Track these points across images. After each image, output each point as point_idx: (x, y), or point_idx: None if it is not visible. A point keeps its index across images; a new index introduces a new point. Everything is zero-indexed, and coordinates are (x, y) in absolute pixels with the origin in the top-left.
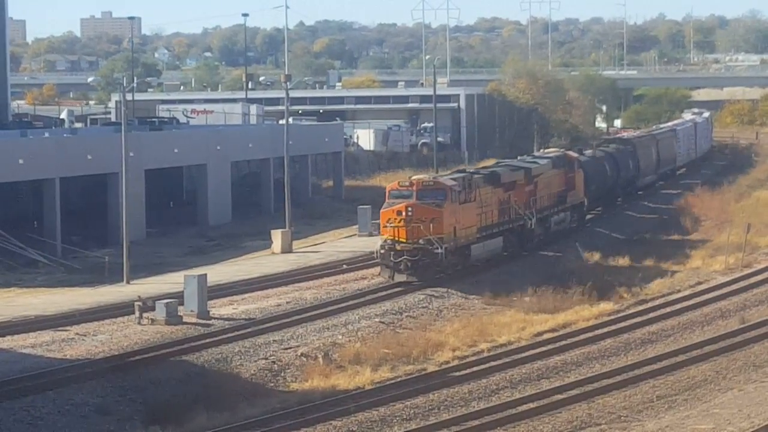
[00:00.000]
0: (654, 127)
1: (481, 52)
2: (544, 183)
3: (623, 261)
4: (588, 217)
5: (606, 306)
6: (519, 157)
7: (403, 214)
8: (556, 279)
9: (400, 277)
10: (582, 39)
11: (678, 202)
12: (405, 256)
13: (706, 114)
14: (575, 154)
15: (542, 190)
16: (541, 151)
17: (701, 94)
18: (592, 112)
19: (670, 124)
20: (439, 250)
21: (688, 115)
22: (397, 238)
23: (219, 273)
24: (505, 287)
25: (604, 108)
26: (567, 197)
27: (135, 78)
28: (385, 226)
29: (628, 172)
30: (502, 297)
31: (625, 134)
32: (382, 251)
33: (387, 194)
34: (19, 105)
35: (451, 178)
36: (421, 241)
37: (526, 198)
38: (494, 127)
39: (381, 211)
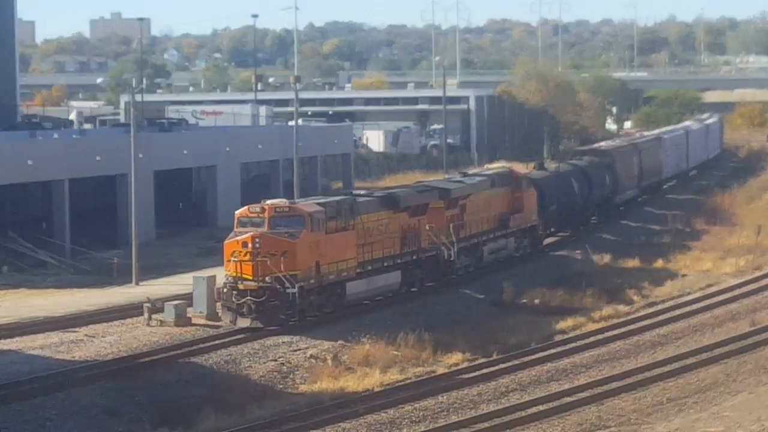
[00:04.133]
0: (638, 134)
1: (491, 54)
2: (476, 205)
3: (633, 263)
4: (549, 241)
5: (616, 308)
6: (459, 174)
7: (249, 246)
8: (566, 281)
9: (243, 322)
10: (592, 41)
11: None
12: (249, 297)
13: (710, 120)
14: (523, 171)
15: (472, 214)
16: (485, 166)
17: (712, 96)
18: (603, 114)
19: (664, 129)
20: (292, 290)
21: (688, 121)
22: (240, 275)
23: None
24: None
25: (614, 110)
26: (510, 220)
27: (144, 79)
28: (229, 261)
29: (604, 187)
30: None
31: (603, 144)
32: (225, 290)
33: (235, 222)
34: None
35: (318, 203)
36: (268, 278)
37: (445, 223)
38: (504, 128)
39: (225, 242)
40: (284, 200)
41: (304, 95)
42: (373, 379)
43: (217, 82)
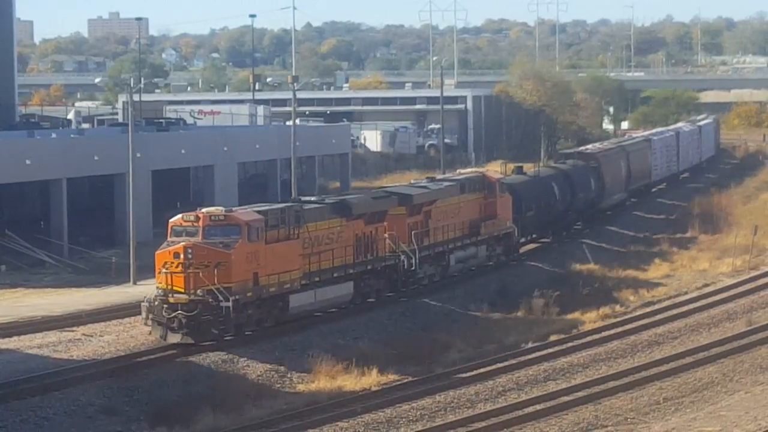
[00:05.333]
0: (627, 136)
1: (489, 54)
2: (443, 212)
3: (630, 263)
4: (532, 247)
5: (613, 308)
6: (427, 179)
7: (181, 256)
8: (563, 281)
9: (173, 338)
10: (589, 41)
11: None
12: (180, 311)
13: (704, 121)
14: (497, 176)
15: (439, 221)
16: (457, 172)
17: (709, 96)
18: (600, 114)
19: (654, 131)
20: (226, 304)
21: (681, 123)
22: (171, 288)
23: None
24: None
25: (611, 110)
26: (482, 227)
27: (142, 79)
28: (160, 272)
29: (589, 191)
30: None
31: (590, 146)
32: (155, 303)
33: (168, 231)
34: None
35: (259, 211)
36: (199, 292)
37: (407, 231)
38: (501, 128)
39: (156, 252)
40: (220, 208)
41: (301, 95)
42: (370, 379)
43: (214, 81)
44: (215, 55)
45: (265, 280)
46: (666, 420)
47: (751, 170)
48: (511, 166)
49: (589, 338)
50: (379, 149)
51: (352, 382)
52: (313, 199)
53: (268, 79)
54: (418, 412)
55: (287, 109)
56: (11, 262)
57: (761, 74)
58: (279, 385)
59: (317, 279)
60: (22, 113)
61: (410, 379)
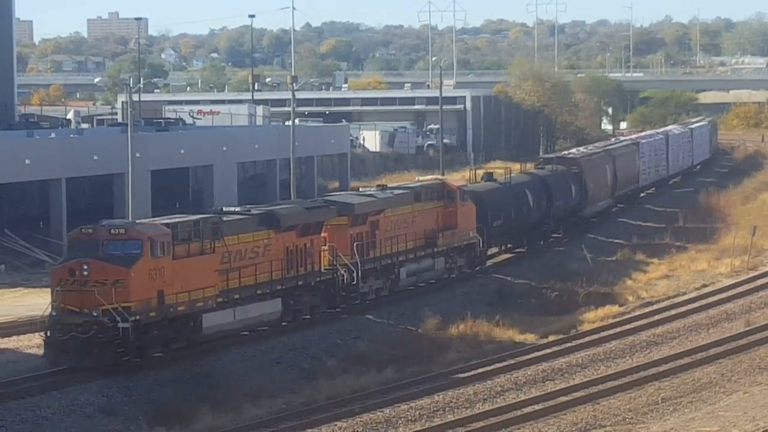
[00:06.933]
0: (613, 139)
1: (488, 54)
2: (393, 222)
3: (628, 263)
4: (503, 258)
5: (611, 308)
6: (377, 187)
7: (77, 273)
8: (561, 281)
9: (66, 360)
10: (588, 41)
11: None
12: (74, 332)
13: (698, 123)
14: (458, 183)
15: (387, 232)
16: (416, 179)
17: (707, 97)
18: (598, 115)
19: (642, 134)
20: (124, 325)
21: (671, 126)
22: (66, 307)
23: None
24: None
25: (610, 110)
26: (439, 238)
27: (141, 79)
28: (55, 290)
29: (569, 199)
30: None
31: (573, 150)
32: (48, 323)
33: (67, 245)
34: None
35: (167, 223)
36: (95, 312)
37: (349, 243)
38: (500, 129)
39: (51, 269)
40: (123, 221)
41: (301, 95)
42: (368, 378)
43: (214, 81)
44: (214, 55)
45: (172, 299)
46: (664, 420)
47: (749, 172)
48: (517, 166)
49: (587, 338)
50: (378, 149)
51: (350, 381)
52: (237, 209)
53: (268, 80)
54: (417, 412)
55: (286, 109)
56: (10, 262)
57: (760, 75)
58: (278, 385)
59: (237, 296)
60: (22, 113)
61: (409, 379)
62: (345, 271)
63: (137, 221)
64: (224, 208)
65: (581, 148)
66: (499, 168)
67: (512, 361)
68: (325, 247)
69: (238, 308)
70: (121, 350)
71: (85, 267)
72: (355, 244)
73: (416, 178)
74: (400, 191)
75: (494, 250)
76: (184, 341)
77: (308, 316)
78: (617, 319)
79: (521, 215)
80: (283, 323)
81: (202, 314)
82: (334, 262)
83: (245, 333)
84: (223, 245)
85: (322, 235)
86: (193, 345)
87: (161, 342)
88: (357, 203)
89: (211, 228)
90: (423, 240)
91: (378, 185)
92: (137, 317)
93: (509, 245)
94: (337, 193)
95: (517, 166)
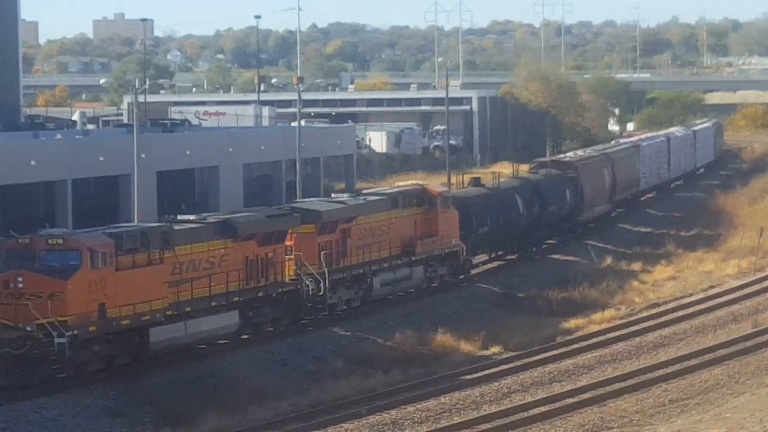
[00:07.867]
0: (613, 142)
1: (494, 55)
2: (366, 230)
3: (636, 265)
4: (490, 266)
5: (618, 310)
6: (350, 194)
7: (11, 286)
8: (568, 282)
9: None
10: (595, 42)
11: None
12: (7, 348)
13: (702, 125)
14: (439, 189)
15: (360, 240)
16: (396, 183)
17: (714, 98)
18: (605, 115)
19: (643, 136)
20: (60, 340)
21: (674, 128)
22: None
23: None
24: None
25: (617, 111)
26: (418, 246)
27: (147, 80)
28: None
29: (563, 204)
30: None
31: (570, 154)
32: None
33: (3, 256)
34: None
35: (110, 233)
36: (29, 327)
37: (316, 252)
38: (507, 129)
39: None
40: (62, 230)
41: (306, 96)
42: (375, 380)
43: (220, 83)
44: (220, 56)
45: (114, 312)
46: (671, 422)
47: (755, 173)
48: (525, 166)
49: (594, 340)
50: (384, 150)
51: (357, 383)
52: (191, 218)
53: (273, 80)
54: (423, 414)
55: (292, 110)
56: None
57: (767, 75)
58: (283, 387)
59: (188, 309)
60: (27, 114)
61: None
62: (311, 281)
63: (78, 231)
64: (179, 217)
65: (579, 152)
66: (505, 169)
67: (519, 363)
68: (290, 257)
69: (190, 321)
70: (56, 367)
71: (20, 279)
72: (322, 252)
73: (396, 183)
74: (375, 197)
75: (482, 257)
76: (129, 357)
77: (271, 329)
78: (624, 321)
79: (510, 222)
80: (243, 336)
81: (149, 328)
82: (299, 272)
83: (245, 335)
84: (174, 255)
85: (287, 243)
86: (140, 360)
87: (103, 357)
88: (325, 210)
89: (160, 237)
90: (400, 248)
91: (354, 191)
92: (75, 332)
93: (499, 252)
94: (307, 199)
95: (525, 167)
